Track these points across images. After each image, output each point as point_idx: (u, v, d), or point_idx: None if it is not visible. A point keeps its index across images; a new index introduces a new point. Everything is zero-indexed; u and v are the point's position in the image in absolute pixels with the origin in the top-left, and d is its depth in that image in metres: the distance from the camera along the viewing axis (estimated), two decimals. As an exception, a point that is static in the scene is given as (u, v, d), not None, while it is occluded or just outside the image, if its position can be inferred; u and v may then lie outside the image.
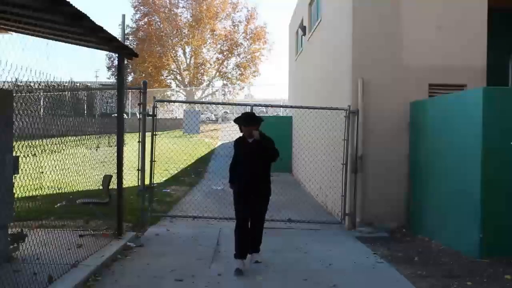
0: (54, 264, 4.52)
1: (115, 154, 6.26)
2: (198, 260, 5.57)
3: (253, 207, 5.31)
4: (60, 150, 5.21)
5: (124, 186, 6.44)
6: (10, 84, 5.08)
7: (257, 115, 5.56)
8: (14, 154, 4.66)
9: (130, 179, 8.12)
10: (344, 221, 7.81)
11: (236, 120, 5.42)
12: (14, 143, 4.62)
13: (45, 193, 8.10)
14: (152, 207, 7.88)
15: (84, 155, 6.01)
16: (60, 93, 5.61)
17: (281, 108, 18.65)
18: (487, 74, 7.58)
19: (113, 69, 34.48)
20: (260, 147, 5.23)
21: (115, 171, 6.25)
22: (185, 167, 14.52)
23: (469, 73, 7.52)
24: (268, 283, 4.88)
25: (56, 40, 5.55)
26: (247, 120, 5.34)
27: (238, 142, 5.55)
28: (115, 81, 22.34)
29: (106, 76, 39.99)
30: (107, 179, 6.49)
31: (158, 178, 11.18)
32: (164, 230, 7.18)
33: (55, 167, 4.82)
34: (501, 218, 5.66)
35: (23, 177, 4.61)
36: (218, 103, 30.00)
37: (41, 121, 4.54)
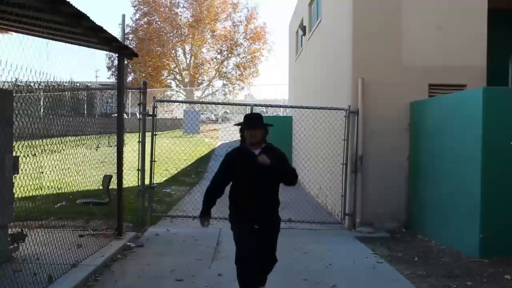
0: (54, 264, 4.52)
1: (115, 154, 6.26)
2: (198, 260, 5.57)
3: (262, 246, 3.93)
4: (60, 150, 5.20)
5: (124, 186, 6.45)
6: (10, 84, 5.08)
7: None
8: (14, 154, 4.66)
9: (130, 179, 8.13)
10: (344, 221, 7.81)
11: (238, 124, 4.12)
12: (14, 143, 4.62)
13: (45, 193, 8.09)
14: (152, 207, 7.88)
15: (84, 155, 6.00)
16: (60, 93, 5.60)
17: (281, 108, 18.64)
18: (487, 74, 7.58)
19: (113, 69, 34.47)
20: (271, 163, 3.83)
21: (115, 171, 6.26)
22: (185, 167, 14.52)
23: (469, 73, 7.52)
24: (268, 283, 4.87)
25: (56, 40, 5.56)
26: (252, 119, 4.01)
27: (235, 156, 4.00)
28: (115, 81, 22.32)
29: (106, 76, 40.03)
30: (107, 179, 6.48)
31: (158, 178, 11.18)
32: (164, 230, 7.18)
33: (55, 167, 4.82)
34: (501, 218, 5.66)
35: (23, 177, 4.61)
36: (218, 103, 29.98)
37: (41, 121, 4.54)
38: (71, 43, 5.70)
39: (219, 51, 37.64)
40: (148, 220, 7.60)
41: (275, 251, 4.13)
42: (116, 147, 6.26)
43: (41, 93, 5.99)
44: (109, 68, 36.82)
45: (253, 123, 3.97)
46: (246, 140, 4.00)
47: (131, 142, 8.94)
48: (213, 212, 8.14)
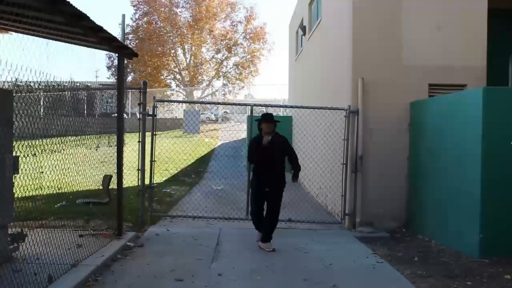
0: (54, 264, 4.51)
1: (115, 154, 6.25)
2: (198, 260, 5.57)
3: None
4: (60, 150, 5.20)
5: (124, 186, 6.44)
6: (10, 84, 5.08)
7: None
8: (14, 154, 4.66)
9: (130, 179, 8.12)
10: (344, 221, 7.81)
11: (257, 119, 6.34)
12: (14, 143, 4.61)
13: (45, 193, 8.08)
14: (152, 207, 7.88)
15: (84, 155, 6.00)
16: (60, 93, 5.60)
17: (281, 108, 18.63)
18: (487, 74, 7.58)
19: (113, 69, 34.46)
20: None
21: (115, 171, 6.25)
22: (185, 167, 14.52)
23: (469, 73, 7.53)
24: (268, 283, 4.88)
25: (56, 40, 5.55)
26: (268, 117, 6.31)
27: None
28: (115, 81, 22.31)
29: (106, 76, 39.98)
30: (107, 179, 6.48)
31: (158, 178, 11.19)
32: (164, 230, 7.18)
33: (55, 167, 4.81)
34: (501, 218, 5.67)
35: (23, 177, 4.61)
36: (218, 103, 29.96)
37: (41, 121, 4.54)
38: (71, 43, 5.69)
39: (217, 50, 37.61)
40: (148, 220, 7.60)
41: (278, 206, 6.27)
42: (116, 147, 6.25)
43: (41, 93, 5.99)
44: (109, 68, 36.85)
45: (269, 118, 6.21)
46: (263, 130, 6.17)
47: (131, 142, 8.94)
48: (213, 212, 8.17)
